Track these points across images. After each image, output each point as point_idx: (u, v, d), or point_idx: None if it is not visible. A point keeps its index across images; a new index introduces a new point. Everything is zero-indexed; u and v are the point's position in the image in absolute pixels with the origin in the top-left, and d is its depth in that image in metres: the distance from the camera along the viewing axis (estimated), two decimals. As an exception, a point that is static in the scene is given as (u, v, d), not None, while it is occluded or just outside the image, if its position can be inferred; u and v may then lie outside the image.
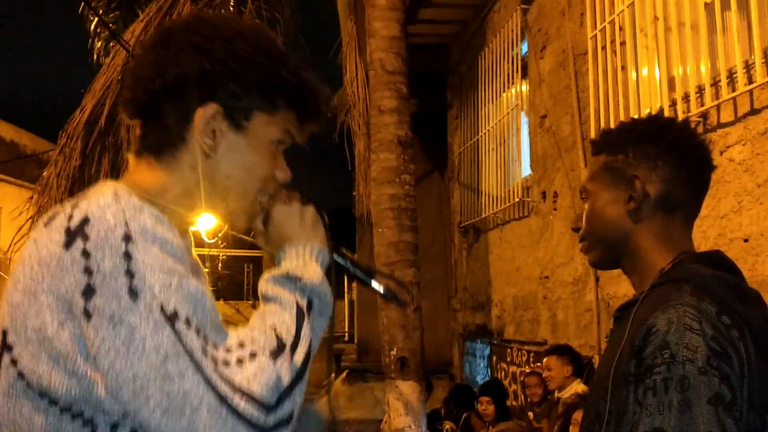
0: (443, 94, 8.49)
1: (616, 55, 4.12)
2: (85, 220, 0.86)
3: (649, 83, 3.73)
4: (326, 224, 1.08)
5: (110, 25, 6.10)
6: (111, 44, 4.83)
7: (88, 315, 0.83)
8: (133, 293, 0.83)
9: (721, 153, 3.16)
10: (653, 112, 3.59)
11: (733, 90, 3.03)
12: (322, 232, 1.06)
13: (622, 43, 4.05)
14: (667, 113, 3.50)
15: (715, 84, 3.19)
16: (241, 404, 0.82)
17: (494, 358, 6.62)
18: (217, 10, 5.96)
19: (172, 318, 0.83)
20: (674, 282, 1.11)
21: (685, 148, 1.24)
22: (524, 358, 5.73)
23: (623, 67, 4.04)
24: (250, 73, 1.00)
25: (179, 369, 0.82)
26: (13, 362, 0.87)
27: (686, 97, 3.41)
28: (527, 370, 4.91)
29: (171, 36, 1.02)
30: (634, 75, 3.92)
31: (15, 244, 5.04)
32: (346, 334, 18.02)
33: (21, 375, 0.86)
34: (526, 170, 5.86)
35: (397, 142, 4.66)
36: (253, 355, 0.86)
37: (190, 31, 1.02)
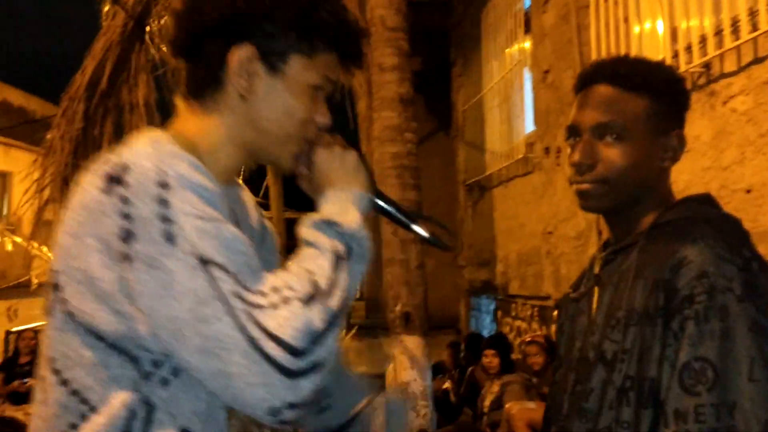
0: (447, 51, 8.41)
1: (618, 7, 4.07)
2: (124, 167, 0.88)
3: (651, 35, 3.70)
4: (368, 169, 1.06)
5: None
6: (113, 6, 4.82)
7: (127, 259, 0.86)
8: (170, 238, 0.85)
9: (724, 103, 3.15)
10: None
11: (737, 39, 3.00)
12: (363, 177, 1.05)
13: (625, -6, 3.99)
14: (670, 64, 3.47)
15: (719, 33, 3.15)
16: (272, 348, 0.83)
17: (499, 312, 6.70)
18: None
19: (206, 262, 0.85)
20: (682, 220, 1.10)
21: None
22: (528, 313, 5.80)
23: (626, 19, 4.00)
24: (286, 13, 0.99)
25: (213, 312, 0.84)
26: (63, 301, 0.91)
27: (689, 48, 3.38)
28: (527, 339, 4.97)
29: None
30: (636, 27, 3.88)
31: (22, 205, 5.10)
32: (358, 292, 18.17)
33: (70, 313, 0.91)
34: (530, 126, 5.84)
35: (398, 99, 4.62)
36: (285, 300, 0.86)
37: None
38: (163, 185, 0.87)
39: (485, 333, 6.96)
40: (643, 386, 1.03)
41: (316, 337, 0.86)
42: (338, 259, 0.93)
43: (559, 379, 1.22)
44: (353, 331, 8.64)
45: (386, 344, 4.81)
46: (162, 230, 0.85)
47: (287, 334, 0.84)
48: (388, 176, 4.68)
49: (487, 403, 5.00)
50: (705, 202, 1.17)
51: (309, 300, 0.88)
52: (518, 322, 6.09)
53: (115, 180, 0.88)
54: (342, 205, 1.00)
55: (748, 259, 1.03)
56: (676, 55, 3.47)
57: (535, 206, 5.66)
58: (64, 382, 0.92)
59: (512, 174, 6.21)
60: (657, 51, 3.62)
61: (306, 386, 0.86)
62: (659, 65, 1.24)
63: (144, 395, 0.91)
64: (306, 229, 0.97)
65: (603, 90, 1.17)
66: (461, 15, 7.88)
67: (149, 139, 0.93)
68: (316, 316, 0.87)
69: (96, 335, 0.90)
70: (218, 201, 0.91)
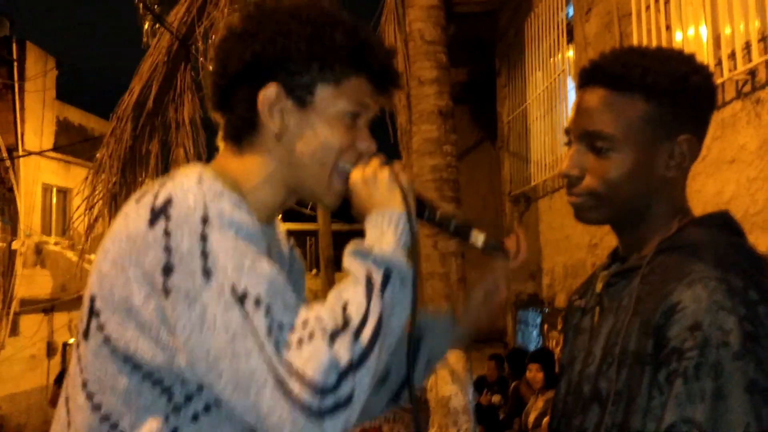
0: (492, 62, 8.36)
1: (660, 15, 3.97)
2: (169, 201, 0.91)
3: (695, 42, 3.59)
4: (404, 185, 1.03)
5: (155, 7, 6.26)
6: (156, 26, 4.97)
7: (167, 291, 0.88)
8: (207, 273, 0.87)
9: (770, 112, 3.03)
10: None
11: (781, 45, 2.89)
12: (399, 195, 1.02)
13: (667, 2, 3.89)
14: (713, 72, 3.36)
15: (763, 39, 3.04)
16: (296, 387, 0.84)
17: (546, 326, 6.58)
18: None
19: (241, 298, 0.86)
20: (688, 249, 0.99)
21: (713, 109, 1.11)
22: (575, 327, 5.67)
23: (668, 27, 3.89)
24: (302, 46, 1.01)
25: (246, 348, 0.85)
26: (100, 327, 0.94)
27: (733, 55, 3.27)
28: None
29: (227, 32, 1.07)
30: (679, 34, 3.77)
31: (74, 221, 5.29)
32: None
33: (107, 339, 0.93)
34: (574, 137, 5.74)
35: (437, 112, 4.62)
36: (311, 336, 0.86)
37: (241, 23, 1.06)
38: (205, 221, 0.89)
39: (532, 347, 6.85)
40: None
41: (342, 373, 0.86)
42: (372, 288, 0.92)
43: (558, 400, 1.16)
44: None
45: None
46: (200, 265, 0.88)
47: (309, 374, 0.84)
48: (428, 189, 4.68)
49: (531, 419, 4.91)
50: (719, 225, 1.06)
51: (335, 334, 0.87)
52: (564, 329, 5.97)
53: (159, 213, 0.90)
54: (379, 230, 0.99)
55: (754, 303, 0.92)
56: (719, 63, 3.36)
57: (580, 218, 5.55)
58: (97, 407, 0.95)
59: (557, 185, 6.11)
60: (701, 58, 3.51)
61: (331, 426, 0.85)
62: (664, 59, 1.07)
63: (173, 428, 0.93)
64: (345, 258, 0.98)
65: (595, 94, 1.06)
66: (505, 25, 7.83)
67: (195, 175, 0.95)
68: (342, 352, 0.86)
69: (133, 363, 0.93)
70: (257, 238, 0.92)
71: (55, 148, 12.20)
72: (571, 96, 5.80)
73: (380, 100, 1.09)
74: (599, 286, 1.12)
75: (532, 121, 6.70)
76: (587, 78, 1.09)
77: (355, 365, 0.87)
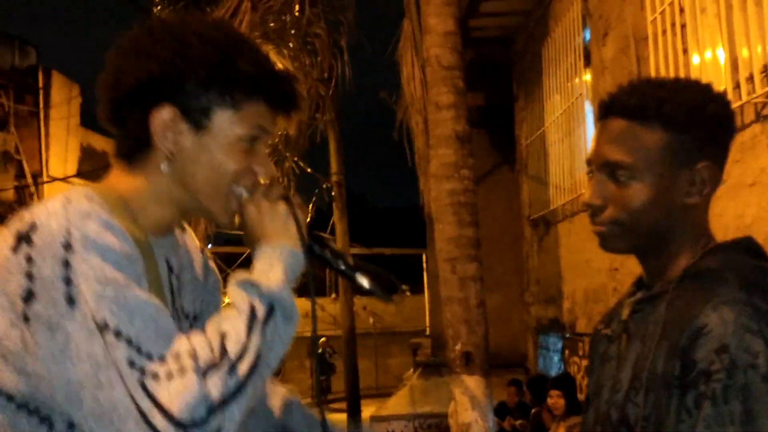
0: (509, 86, 8.39)
1: (677, 38, 3.97)
2: (33, 226, 0.88)
3: (712, 65, 3.59)
4: (300, 219, 1.02)
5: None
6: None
7: (26, 319, 0.86)
8: (71, 301, 0.85)
9: (789, 135, 3.01)
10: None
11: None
12: (293, 229, 1.01)
13: (683, 25, 3.90)
14: (731, 95, 3.35)
15: (780, 62, 3.03)
16: (159, 421, 0.83)
17: (567, 351, 6.51)
18: (278, 15, 6.12)
19: (103, 328, 0.84)
20: (713, 273, 1.00)
21: (733, 136, 1.12)
22: (596, 352, 5.61)
23: (685, 50, 3.90)
24: (203, 71, 0.98)
25: (109, 378, 0.84)
26: None
27: (751, 78, 3.26)
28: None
29: (126, 43, 1.03)
30: (696, 58, 3.77)
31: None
32: (427, 329, 18.06)
33: None
34: (592, 160, 5.73)
35: (454, 137, 4.65)
36: (182, 370, 0.85)
37: (141, 36, 1.02)
38: (67, 247, 0.87)
39: (553, 372, 6.77)
40: None
41: (211, 409, 0.85)
42: (254, 321, 0.91)
43: (586, 430, 1.16)
44: (419, 370, 8.57)
45: (449, 383, 4.75)
46: (63, 292, 0.85)
47: (176, 408, 0.83)
48: (446, 213, 4.69)
49: (552, 445, 4.85)
50: (743, 249, 1.06)
51: (209, 369, 0.86)
52: (585, 362, 5.90)
53: (22, 238, 0.88)
54: (268, 263, 0.97)
55: None
56: (737, 86, 3.35)
57: (599, 241, 5.52)
58: None
59: (576, 209, 6.08)
60: (718, 81, 3.50)
61: None
62: (681, 89, 1.10)
63: None
64: (230, 288, 0.96)
65: (614, 124, 1.08)
66: (522, 50, 7.87)
67: (63, 197, 0.92)
68: (214, 388, 0.85)
69: (6, 395, 0.90)
70: (127, 262, 0.90)
71: (79, 174, 12.38)
72: (589, 119, 5.80)
73: (279, 123, 1.08)
74: (625, 314, 1.13)
75: (551, 144, 6.69)
76: (606, 110, 1.11)
77: (227, 400, 0.86)
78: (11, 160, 11.89)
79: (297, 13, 7.38)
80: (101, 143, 13.35)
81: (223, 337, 0.89)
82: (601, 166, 1.09)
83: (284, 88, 1.05)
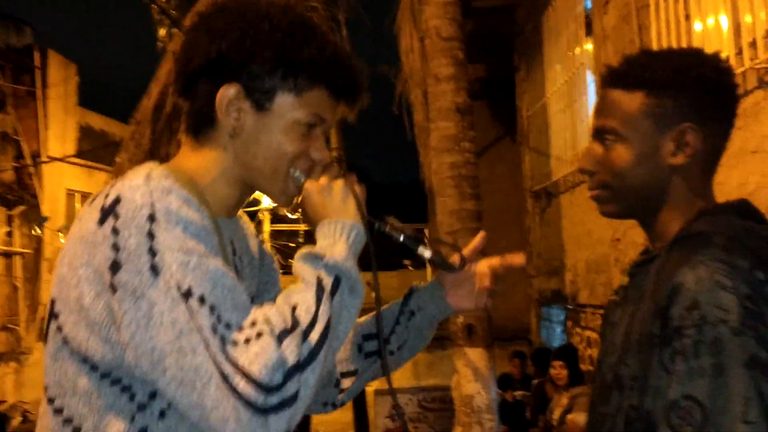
0: (511, 57, 8.30)
1: (679, 5, 3.91)
2: (117, 200, 0.92)
3: (714, 32, 3.53)
4: (358, 196, 1.06)
5: (171, 12, 6.31)
6: (173, 31, 5.00)
7: (114, 288, 0.89)
8: (154, 270, 0.88)
9: (792, 101, 2.97)
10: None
11: (803, 32, 2.82)
12: (353, 206, 1.05)
13: (686, -9, 3.84)
14: (733, 61, 3.30)
15: (784, 27, 2.98)
16: (241, 384, 0.85)
17: (569, 323, 6.52)
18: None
19: (187, 295, 0.88)
20: (702, 235, 1.02)
21: (736, 99, 1.13)
22: (599, 323, 5.61)
23: (687, 17, 3.83)
24: (270, 53, 1.02)
25: (192, 344, 0.86)
26: (59, 329, 0.95)
27: (754, 44, 3.20)
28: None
29: (201, 20, 1.08)
30: (698, 24, 3.71)
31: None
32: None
33: (65, 340, 0.95)
34: (594, 130, 5.68)
35: (455, 109, 4.60)
36: (259, 335, 0.88)
37: (214, 14, 1.07)
38: (152, 218, 0.90)
39: (556, 344, 6.80)
40: (643, 418, 0.97)
41: (288, 373, 0.87)
42: (322, 292, 0.94)
43: (592, 394, 1.18)
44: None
45: (452, 356, 4.76)
46: (147, 262, 0.89)
47: (255, 371, 0.85)
48: (447, 186, 4.66)
49: (556, 416, 4.87)
50: (735, 211, 1.08)
51: (283, 334, 0.89)
52: (588, 333, 5.91)
53: (108, 212, 0.92)
54: (331, 239, 1.01)
55: (761, 282, 0.93)
56: (740, 52, 3.30)
57: (602, 212, 5.49)
58: (58, 411, 0.95)
59: (578, 180, 6.05)
60: (721, 48, 3.45)
61: (276, 422, 0.86)
62: (669, 55, 1.14)
63: (141, 427, 0.93)
64: (296, 262, 0.99)
65: (605, 94, 1.14)
66: (523, 20, 7.77)
67: (144, 172, 0.96)
68: (289, 352, 0.88)
69: (91, 365, 0.93)
70: (206, 235, 0.93)
71: (78, 154, 12.37)
72: (591, 89, 5.75)
73: (340, 112, 1.12)
74: (626, 279, 1.16)
75: (552, 115, 6.64)
76: (602, 82, 1.16)
77: (301, 366, 0.88)
78: (9, 140, 11.87)
79: (295, -14, 7.27)
80: (99, 122, 13.33)
81: (294, 308, 0.93)
82: (594, 133, 1.14)
83: (349, 77, 1.08)
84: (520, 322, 8.25)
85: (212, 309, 0.88)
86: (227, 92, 1.03)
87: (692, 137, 1.08)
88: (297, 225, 18.03)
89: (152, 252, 0.89)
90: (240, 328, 0.89)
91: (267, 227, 16.91)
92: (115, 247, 0.90)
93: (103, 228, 0.91)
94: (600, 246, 5.58)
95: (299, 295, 0.94)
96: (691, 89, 1.08)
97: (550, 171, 6.85)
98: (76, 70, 12.93)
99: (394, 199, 24.09)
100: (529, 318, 8.23)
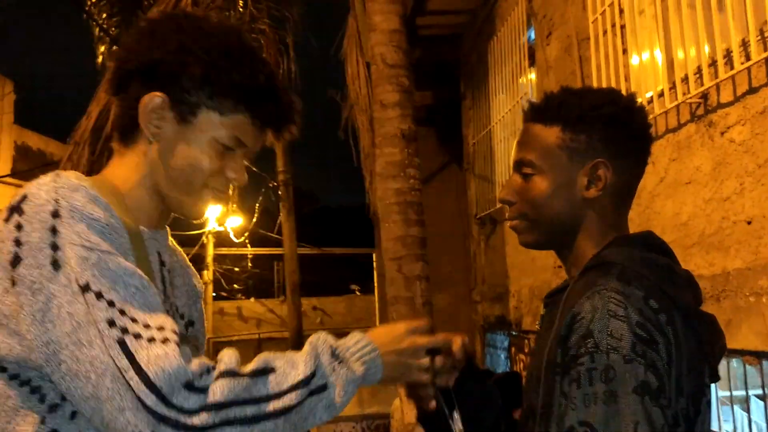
0: (457, 85, 8.42)
1: (617, 39, 4.03)
2: (24, 197, 0.94)
3: (650, 65, 3.65)
4: (444, 408, 1.11)
5: (112, 30, 6.20)
6: (113, 48, 4.90)
7: (13, 282, 0.90)
8: (55, 265, 0.89)
9: (722, 134, 3.08)
10: (655, 95, 3.51)
11: (731, 68, 2.94)
12: (404, 363, 1.07)
13: (623, 26, 3.96)
14: (667, 95, 3.42)
15: (713, 64, 3.10)
16: (134, 380, 0.85)
17: (513, 349, 6.57)
18: (221, 11, 6.00)
19: (84, 289, 0.88)
20: (604, 266, 1.07)
21: (647, 137, 1.19)
22: (541, 349, 5.68)
23: (625, 51, 3.96)
24: (199, 69, 1.04)
25: (89, 337, 0.87)
26: None
27: (686, 79, 3.32)
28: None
29: (147, 24, 1.11)
30: (635, 58, 3.83)
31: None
32: (377, 329, 18.04)
33: None
34: (537, 159, 5.78)
35: (400, 136, 4.64)
36: (165, 341, 0.88)
37: (161, 22, 1.09)
38: (55, 215, 0.91)
39: (500, 370, 6.82)
40: None
41: (193, 390, 0.87)
42: (305, 385, 0.96)
43: (519, 423, 1.20)
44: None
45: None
46: (49, 256, 0.90)
47: (152, 371, 0.85)
48: (392, 212, 4.67)
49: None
50: (638, 242, 1.12)
51: (227, 374, 0.89)
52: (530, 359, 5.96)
53: (14, 209, 0.94)
54: (359, 354, 1.03)
55: (653, 311, 0.97)
56: (674, 86, 3.42)
57: (544, 240, 5.58)
58: None
59: (522, 207, 6.13)
60: (656, 81, 3.57)
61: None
62: (584, 94, 1.21)
63: (51, 428, 0.92)
64: (314, 343, 1.00)
65: (527, 128, 1.19)
66: (469, 48, 7.91)
67: (53, 173, 0.98)
68: (221, 388, 0.88)
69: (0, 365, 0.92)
70: (112, 233, 0.94)
71: (14, 174, 11.95)
72: (534, 119, 5.85)
73: (266, 139, 1.14)
74: (542, 309, 1.22)
75: (497, 143, 6.74)
76: (524, 117, 1.23)
77: (224, 406, 0.88)
78: (-59, 158, 11.39)
79: (240, 9, 7.25)
80: (37, 141, 12.93)
81: (269, 370, 0.93)
82: (514, 166, 1.19)
83: (276, 108, 1.10)
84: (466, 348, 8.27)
85: (111, 303, 0.88)
86: (153, 100, 1.05)
87: (603, 172, 1.13)
88: (242, 249, 17.77)
89: (54, 247, 0.90)
90: (146, 327, 0.88)
91: (210, 251, 16.62)
92: (17, 242, 0.91)
93: (8, 224, 0.93)
94: (543, 273, 5.66)
95: (285, 364, 0.96)
96: (603, 126, 1.13)
97: (495, 198, 6.93)
98: (13, 87, 12.54)
99: (341, 222, 24.04)
100: (473, 344, 8.26)
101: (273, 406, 0.90)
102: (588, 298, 1.00)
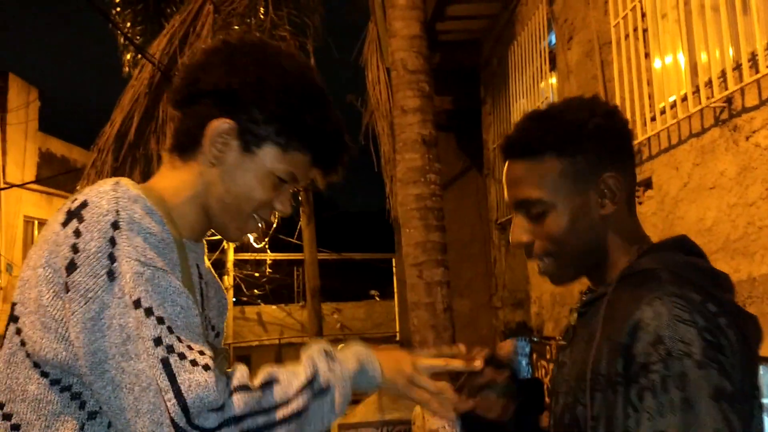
0: (477, 90, 8.41)
1: (639, 43, 4.00)
2: (84, 204, 0.94)
3: (673, 69, 3.62)
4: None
5: (136, 38, 6.28)
6: (138, 57, 4.97)
7: (66, 289, 0.91)
8: (111, 275, 0.90)
9: (747, 138, 3.03)
10: (678, 99, 3.48)
11: (756, 72, 2.90)
12: (394, 370, 1.11)
13: (645, 30, 3.93)
14: (690, 100, 3.38)
15: (738, 67, 3.06)
16: (171, 402, 0.87)
17: (535, 355, 6.52)
18: (242, 18, 6.06)
19: (137, 305, 0.89)
20: (648, 271, 1.05)
21: (630, 134, 1.19)
22: (563, 355, 5.63)
23: (647, 55, 3.93)
24: (274, 106, 1.07)
25: (137, 350, 0.88)
26: (18, 331, 0.96)
27: (710, 83, 3.28)
28: None
29: (224, 48, 1.12)
30: (658, 62, 3.80)
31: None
32: (397, 334, 18.05)
33: (23, 343, 0.95)
34: (558, 164, 5.75)
35: (421, 141, 4.63)
36: (206, 367, 0.89)
37: (239, 50, 1.10)
38: (115, 225, 0.92)
39: (521, 377, 6.79)
40: None
41: (220, 412, 0.89)
42: (310, 388, 0.99)
43: None
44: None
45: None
46: (106, 266, 0.90)
47: (191, 396, 0.87)
48: (412, 218, 4.66)
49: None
50: (675, 247, 1.11)
51: (241, 389, 0.92)
52: (552, 365, 5.91)
53: (73, 215, 0.94)
54: (356, 360, 1.07)
55: (713, 315, 0.96)
56: (697, 90, 3.38)
57: (565, 245, 5.54)
58: (6, 416, 0.94)
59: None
60: (680, 85, 3.53)
61: None
62: (560, 115, 1.15)
63: None
64: (310, 352, 1.04)
65: (513, 166, 1.16)
66: (489, 53, 7.89)
67: (113, 181, 0.99)
68: (238, 402, 0.91)
69: (42, 370, 0.94)
70: (165, 248, 0.96)
71: (38, 180, 12.14)
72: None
73: (309, 178, 1.17)
74: (573, 319, 1.19)
75: (517, 148, 6.71)
76: (504, 154, 1.18)
77: (245, 418, 0.91)
78: (-33, 165, 11.58)
79: (261, 16, 7.30)
80: (60, 148, 13.11)
81: (274, 381, 0.97)
82: (516, 206, 1.15)
83: (335, 154, 1.14)
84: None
85: (160, 321, 0.89)
86: (221, 125, 1.06)
87: (614, 183, 1.11)
88: (262, 254, 17.86)
89: (111, 258, 0.90)
90: (189, 348, 0.90)
91: (231, 256, 16.72)
92: (75, 249, 0.91)
93: (66, 229, 0.93)
94: (564, 278, 5.62)
95: (288, 375, 0.99)
96: (595, 140, 1.11)
97: (515, 203, 6.90)
98: (38, 94, 12.73)
99: (361, 228, 24.05)
100: (497, 350, 8.22)
101: (281, 413, 0.93)
102: (647, 304, 0.97)
